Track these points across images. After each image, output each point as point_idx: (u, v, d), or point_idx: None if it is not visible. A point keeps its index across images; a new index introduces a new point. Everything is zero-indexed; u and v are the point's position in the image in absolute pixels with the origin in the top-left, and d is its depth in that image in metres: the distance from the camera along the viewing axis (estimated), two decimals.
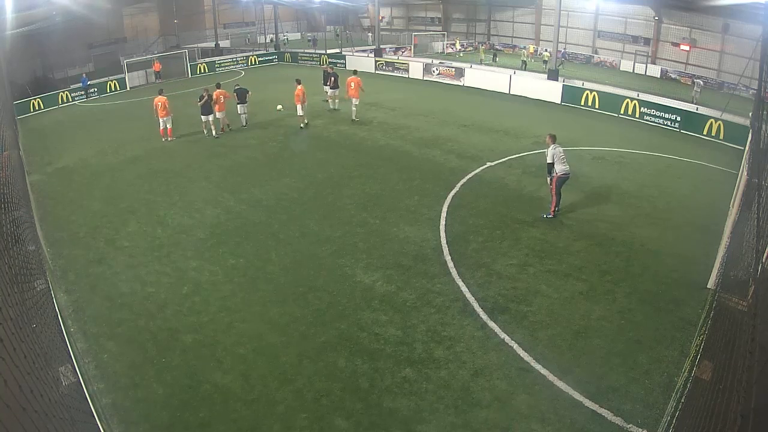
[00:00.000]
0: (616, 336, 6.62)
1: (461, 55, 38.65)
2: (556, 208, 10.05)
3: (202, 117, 16.16)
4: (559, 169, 9.70)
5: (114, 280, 8.31)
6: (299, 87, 16.49)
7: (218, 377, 6.08)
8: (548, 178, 9.94)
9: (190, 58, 31.70)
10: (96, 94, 25.61)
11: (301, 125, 16.88)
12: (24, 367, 2.51)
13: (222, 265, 8.64)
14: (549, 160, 9.72)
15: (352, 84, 17.44)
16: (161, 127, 15.96)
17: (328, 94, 19.38)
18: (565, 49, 36.34)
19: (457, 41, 42.80)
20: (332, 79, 19.01)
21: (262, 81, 26.56)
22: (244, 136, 16.14)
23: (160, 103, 15.65)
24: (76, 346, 6.45)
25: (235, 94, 16.55)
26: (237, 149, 14.93)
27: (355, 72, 18.41)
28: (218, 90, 16.12)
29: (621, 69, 35.14)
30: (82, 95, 24.89)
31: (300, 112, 16.63)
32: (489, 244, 9.12)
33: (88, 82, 25.55)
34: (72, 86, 25.60)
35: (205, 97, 15.78)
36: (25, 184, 8.98)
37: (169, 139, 16.01)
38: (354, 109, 17.69)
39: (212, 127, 16.18)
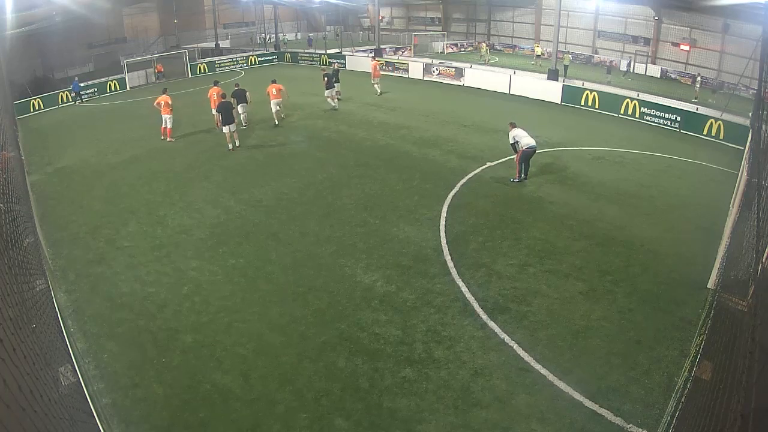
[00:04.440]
0: (616, 336, 6.62)
1: (496, 59, 35.13)
2: (524, 176, 11.82)
3: (223, 128, 14.52)
4: (525, 143, 11.41)
5: (114, 280, 8.31)
6: (273, 84, 17.10)
7: (218, 377, 6.08)
8: (514, 155, 11.90)
9: (190, 58, 31.70)
10: (96, 94, 25.48)
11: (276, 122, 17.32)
12: (24, 368, 2.50)
13: (222, 265, 8.64)
14: (511, 141, 11.71)
15: (377, 67, 22.43)
16: (162, 126, 15.99)
17: (326, 94, 19.30)
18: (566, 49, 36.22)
19: (484, 45, 38.28)
20: (326, 79, 19.02)
21: (262, 81, 26.46)
22: (244, 137, 16.12)
23: (162, 102, 15.68)
24: (76, 346, 6.45)
25: (233, 97, 16.07)
26: (237, 149, 14.92)
27: (374, 57, 24.31)
28: (213, 87, 16.21)
29: (621, 69, 35.10)
30: (76, 97, 24.16)
31: (274, 108, 17.16)
32: (489, 244, 9.12)
33: (80, 85, 24.71)
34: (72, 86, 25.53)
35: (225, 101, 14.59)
36: (25, 184, 8.99)
37: (168, 139, 16.01)
38: (377, 87, 22.03)
39: (235, 139, 14.86)
